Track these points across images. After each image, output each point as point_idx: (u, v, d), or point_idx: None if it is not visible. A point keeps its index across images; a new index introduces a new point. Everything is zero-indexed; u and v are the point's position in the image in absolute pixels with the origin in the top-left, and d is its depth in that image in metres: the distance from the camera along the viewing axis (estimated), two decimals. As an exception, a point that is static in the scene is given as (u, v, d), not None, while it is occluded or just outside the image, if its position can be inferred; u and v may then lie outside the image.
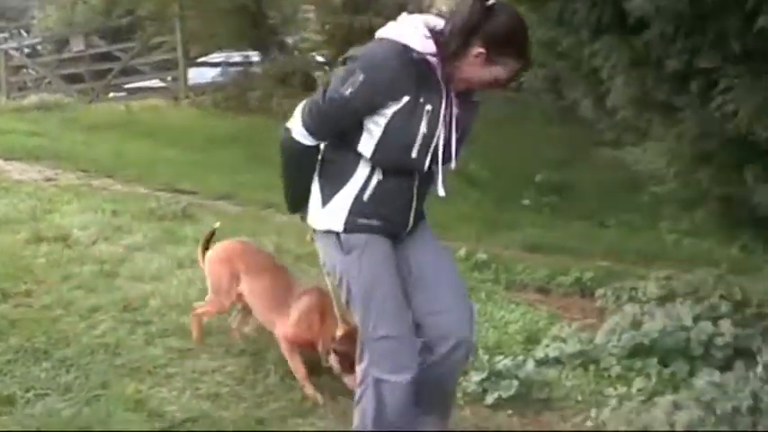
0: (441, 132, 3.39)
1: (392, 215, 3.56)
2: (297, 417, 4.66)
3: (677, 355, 5.52)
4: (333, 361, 4.57)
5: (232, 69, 19.16)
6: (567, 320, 6.36)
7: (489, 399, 4.93)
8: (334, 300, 4.40)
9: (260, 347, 5.38)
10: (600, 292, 6.99)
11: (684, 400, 4.60)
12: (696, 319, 5.76)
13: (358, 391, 3.70)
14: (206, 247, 5.39)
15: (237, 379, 5.00)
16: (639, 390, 5.14)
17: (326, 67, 18.05)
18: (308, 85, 16.93)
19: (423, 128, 3.34)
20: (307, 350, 4.80)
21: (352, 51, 3.37)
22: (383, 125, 3.33)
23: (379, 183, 3.45)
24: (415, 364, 3.57)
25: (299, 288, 4.92)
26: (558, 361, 5.52)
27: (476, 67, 3.29)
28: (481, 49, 3.24)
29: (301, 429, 4.52)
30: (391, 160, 3.41)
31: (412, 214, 3.63)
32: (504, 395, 4.91)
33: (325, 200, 3.53)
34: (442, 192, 3.57)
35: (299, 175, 3.60)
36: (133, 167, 11.88)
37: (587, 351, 5.56)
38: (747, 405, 4.39)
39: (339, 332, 4.45)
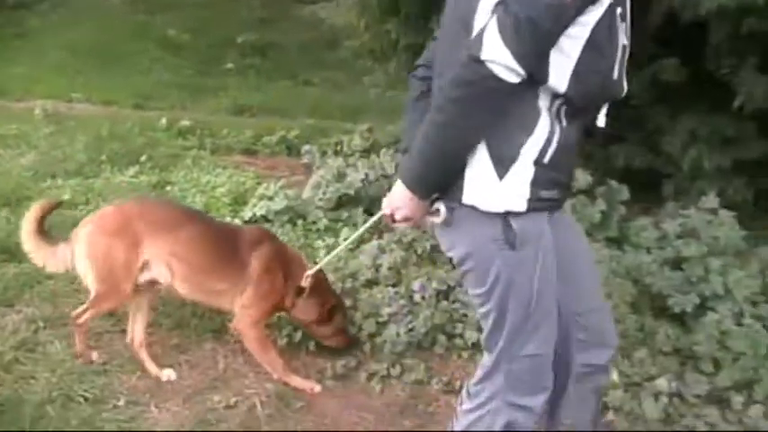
0: None
1: (567, 179, 2.66)
2: None
3: (380, 202, 5.72)
4: (300, 314, 4.02)
5: None
6: (274, 179, 6.40)
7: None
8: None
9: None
10: (306, 148, 7.09)
11: (389, 243, 4.80)
12: (397, 167, 5.98)
13: (470, 415, 2.85)
14: (40, 228, 4.01)
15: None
16: (346, 239, 5.30)
17: None
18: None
19: (622, 37, 2.47)
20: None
21: None
22: (583, 39, 2.38)
23: (561, 134, 2.48)
24: (551, 382, 2.81)
25: (243, 237, 4.04)
26: (266, 219, 5.56)
27: None
28: None
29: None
30: (590, 88, 2.47)
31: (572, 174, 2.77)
32: (213, 258, 4.91)
33: (502, 170, 2.47)
34: (603, 122, 2.69)
35: (481, 131, 2.45)
36: None
37: (295, 207, 5.64)
38: (445, 241, 4.64)
39: (305, 282, 3.87)
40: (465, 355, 4.11)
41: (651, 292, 4.15)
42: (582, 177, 4.89)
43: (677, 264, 4.25)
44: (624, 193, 4.85)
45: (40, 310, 4.38)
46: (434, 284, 4.33)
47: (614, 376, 3.66)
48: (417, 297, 4.30)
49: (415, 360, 4.05)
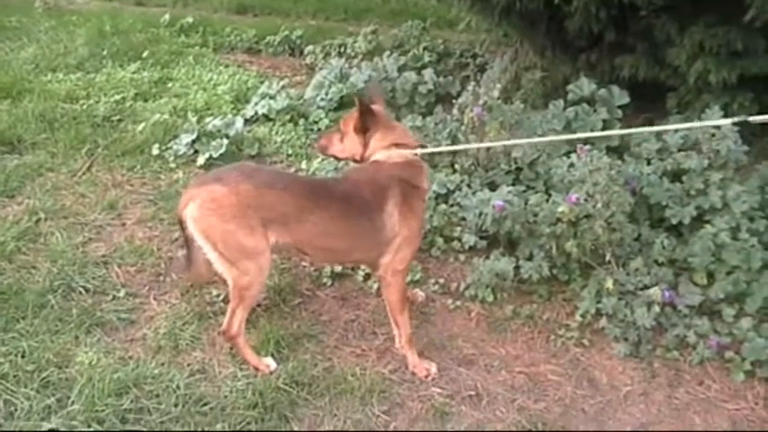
0: None
1: None
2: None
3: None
4: None
5: None
6: (277, 79, 6.37)
7: (200, 159, 4.94)
8: None
9: None
10: (309, 49, 7.06)
11: (390, 146, 4.78)
12: (401, 69, 5.96)
13: None
14: None
15: None
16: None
17: None
18: None
19: None
20: None
21: None
22: None
23: None
24: None
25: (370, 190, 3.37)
26: (267, 118, 5.56)
27: None
28: None
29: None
30: None
31: None
32: (215, 154, 4.92)
33: None
34: None
35: None
36: None
37: (296, 106, 5.63)
38: (446, 144, 4.63)
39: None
40: (462, 257, 4.14)
41: (649, 203, 4.14)
42: (586, 86, 4.86)
43: (677, 176, 4.24)
44: (624, 97, 4.83)
45: (41, 202, 4.42)
46: (434, 187, 4.32)
47: (609, 284, 3.69)
48: (416, 199, 4.29)
49: (413, 261, 4.05)
